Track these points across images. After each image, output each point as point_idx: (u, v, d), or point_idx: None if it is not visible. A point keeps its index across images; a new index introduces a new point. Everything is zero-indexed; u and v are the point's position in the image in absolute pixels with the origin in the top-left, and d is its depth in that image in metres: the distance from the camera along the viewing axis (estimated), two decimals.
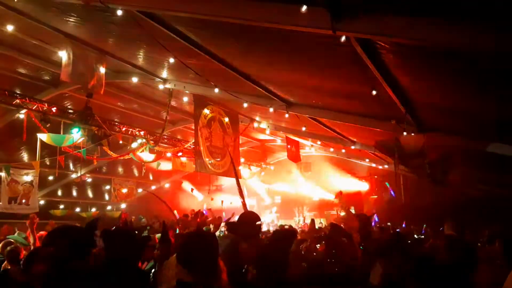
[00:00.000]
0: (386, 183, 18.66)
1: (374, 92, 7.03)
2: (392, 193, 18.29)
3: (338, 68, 6.89)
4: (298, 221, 19.85)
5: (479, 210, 12.70)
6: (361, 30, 4.88)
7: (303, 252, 2.44)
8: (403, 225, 13.86)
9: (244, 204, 5.36)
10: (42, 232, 6.95)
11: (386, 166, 17.70)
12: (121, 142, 12.72)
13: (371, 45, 5.50)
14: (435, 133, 8.69)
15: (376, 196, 19.62)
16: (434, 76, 6.07)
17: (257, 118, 13.93)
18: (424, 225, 11.92)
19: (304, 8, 4.68)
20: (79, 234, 2.66)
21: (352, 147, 14.82)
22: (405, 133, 8.27)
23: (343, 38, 5.08)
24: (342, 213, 16.62)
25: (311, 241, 2.26)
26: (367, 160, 18.31)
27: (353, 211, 16.17)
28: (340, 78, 7.50)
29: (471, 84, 6.01)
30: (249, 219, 4.37)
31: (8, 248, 5.20)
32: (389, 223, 13.72)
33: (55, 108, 10.46)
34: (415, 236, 10.53)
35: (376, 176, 19.87)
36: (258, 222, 4.35)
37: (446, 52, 5.02)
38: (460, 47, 4.56)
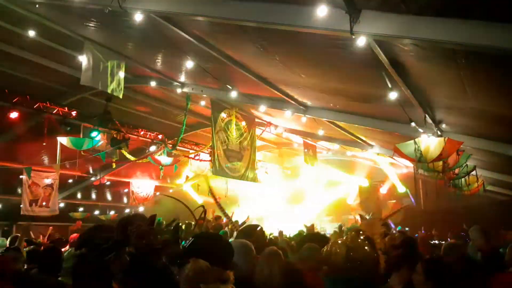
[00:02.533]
0: (407, 190, 18.42)
1: (393, 95, 6.94)
2: (412, 200, 18.08)
3: (356, 71, 6.83)
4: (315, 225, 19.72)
5: (502, 214, 12.43)
6: (380, 32, 4.83)
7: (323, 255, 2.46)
8: (422, 231, 13.63)
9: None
10: (75, 235, 7.07)
11: (404, 171, 17.48)
12: (139, 145, 12.85)
13: (390, 46, 5.44)
14: (456, 135, 8.54)
15: (394, 201, 19.37)
16: (456, 77, 5.95)
17: (274, 122, 13.90)
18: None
19: (322, 9, 4.65)
20: (111, 233, 2.64)
21: (370, 150, 14.68)
22: (425, 136, 8.14)
23: (361, 40, 5.03)
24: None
25: (332, 245, 2.25)
26: (386, 164, 18.11)
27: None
28: (358, 80, 7.44)
29: (495, 86, 5.89)
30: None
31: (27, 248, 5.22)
32: (407, 228, 13.51)
33: (75, 112, 10.62)
34: (436, 242, 10.34)
35: None
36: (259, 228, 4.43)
37: (467, 53, 4.93)
38: (483, 48, 4.46)
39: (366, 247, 2.23)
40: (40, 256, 4.41)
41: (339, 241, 2.31)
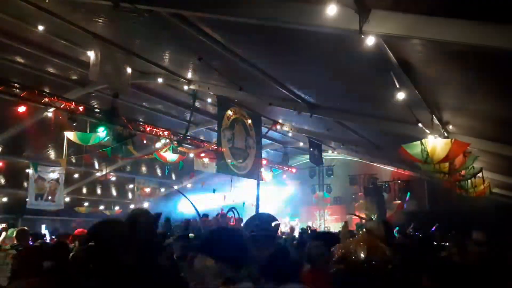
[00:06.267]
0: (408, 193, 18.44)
1: (401, 95, 6.90)
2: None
3: (364, 70, 6.81)
4: (319, 224, 19.79)
5: (508, 217, 12.34)
6: (389, 31, 4.81)
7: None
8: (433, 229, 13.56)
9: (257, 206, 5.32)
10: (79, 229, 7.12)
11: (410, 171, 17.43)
12: (145, 142, 12.88)
13: (398, 46, 5.42)
14: (463, 137, 8.49)
15: (399, 201, 19.32)
16: (464, 79, 5.93)
17: (280, 120, 13.89)
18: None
19: (331, 8, 4.63)
20: (122, 229, 2.63)
21: (376, 150, 14.64)
22: (431, 137, 8.10)
23: (370, 39, 5.01)
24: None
25: (348, 244, 2.32)
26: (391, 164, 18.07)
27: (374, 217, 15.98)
28: (366, 80, 7.41)
29: (503, 88, 5.85)
30: (267, 219, 4.35)
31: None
32: (410, 229, 13.46)
33: (82, 107, 10.66)
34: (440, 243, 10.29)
35: (400, 181, 19.59)
36: (275, 223, 4.33)
37: (478, 54, 4.90)
38: (492, 49, 4.44)
39: (382, 246, 2.26)
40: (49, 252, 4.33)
41: (356, 241, 2.32)
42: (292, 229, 8.11)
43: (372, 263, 2.15)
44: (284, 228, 14.42)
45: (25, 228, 7.00)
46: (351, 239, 2.62)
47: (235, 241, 2.49)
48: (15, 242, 6.40)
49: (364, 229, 3.08)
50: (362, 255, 2.20)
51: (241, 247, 2.51)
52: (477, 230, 5.03)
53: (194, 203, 7.02)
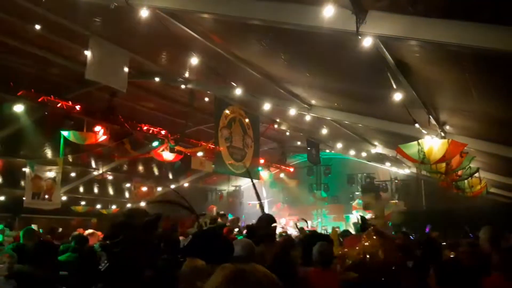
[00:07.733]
0: None
1: (397, 96, 6.91)
2: None
3: (361, 71, 6.81)
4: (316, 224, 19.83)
5: (505, 217, 12.38)
6: (386, 33, 4.82)
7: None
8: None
9: (261, 206, 5.36)
10: (90, 231, 7.13)
11: (407, 171, 17.46)
12: (142, 141, 12.86)
13: (395, 47, 5.42)
14: (459, 137, 8.51)
15: (396, 201, 19.35)
16: (461, 80, 5.93)
17: (278, 119, 13.89)
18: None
19: (328, 9, 4.63)
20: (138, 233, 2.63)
21: (373, 150, 14.66)
22: (428, 138, 8.12)
23: (367, 40, 5.01)
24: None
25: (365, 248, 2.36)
26: (388, 164, 18.08)
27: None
28: (363, 80, 7.42)
29: (500, 88, 5.87)
30: (266, 221, 4.42)
31: None
32: (404, 229, 13.48)
33: (79, 106, 10.63)
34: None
35: (397, 180, 19.64)
36: (274, 224, 4.38)
37: (474, 55, 4.90)
38: (489, 50, 4.44)
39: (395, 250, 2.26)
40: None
41: (371, 245, 2.30)
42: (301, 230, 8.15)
43: (391, 268, 2.14)
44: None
45: (33, 227, 6.99)
46: (365, 243, 2.58)
47: (219, 242, 2.53)
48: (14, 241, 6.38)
49: (372, 229, 3.02)
50: (381, 258, 2.18)
51: (227, 247, 2.55)
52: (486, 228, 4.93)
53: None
